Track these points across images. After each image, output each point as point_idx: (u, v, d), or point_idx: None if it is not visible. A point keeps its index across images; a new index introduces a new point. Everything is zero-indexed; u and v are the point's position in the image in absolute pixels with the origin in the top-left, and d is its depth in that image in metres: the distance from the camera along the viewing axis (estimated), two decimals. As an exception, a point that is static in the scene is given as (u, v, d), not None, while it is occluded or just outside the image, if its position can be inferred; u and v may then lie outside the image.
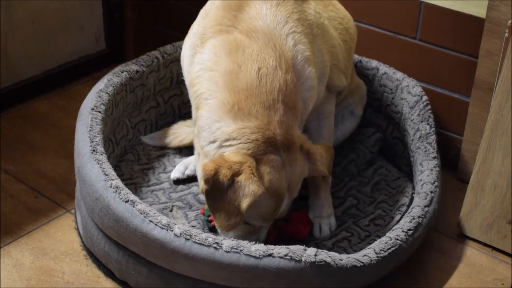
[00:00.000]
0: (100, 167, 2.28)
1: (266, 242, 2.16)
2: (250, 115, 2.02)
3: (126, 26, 3.51)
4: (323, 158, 2.16)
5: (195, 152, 2.21)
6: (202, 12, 2.29)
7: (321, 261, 2.04)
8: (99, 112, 2.50)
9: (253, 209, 2.04)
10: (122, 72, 2.69)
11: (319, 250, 2.07)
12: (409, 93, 2.74)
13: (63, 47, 3.32)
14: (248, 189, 1.96)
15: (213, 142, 2.05)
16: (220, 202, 2.00)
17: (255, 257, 2.03)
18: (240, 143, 2.01)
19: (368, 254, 2.15)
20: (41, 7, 3.17)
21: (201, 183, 2.03)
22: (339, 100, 2.55)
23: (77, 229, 2.50)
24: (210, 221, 2.38)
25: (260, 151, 2.01)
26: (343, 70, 2.46)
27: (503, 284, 2.39)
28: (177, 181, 2.64)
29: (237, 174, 1.97)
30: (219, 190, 1.98)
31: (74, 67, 3.38)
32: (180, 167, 2.65)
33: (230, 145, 2.02)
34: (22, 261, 2.37)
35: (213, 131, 2.05)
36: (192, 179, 2.65)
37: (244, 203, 1.97)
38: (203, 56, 2.14)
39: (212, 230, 2.38)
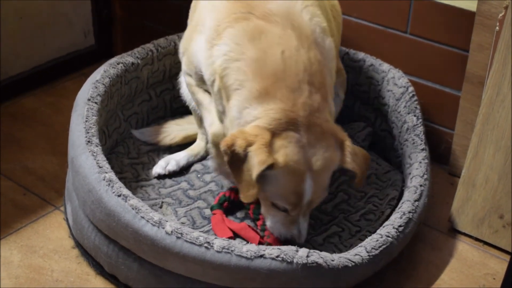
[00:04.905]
0: (95, 159, 2.26)
1: None
2: (276, 98, 2.07)
3: (114, 22, 3.49)
4: (356, 157, 2.16)
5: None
6: (208, 6, 2.27)
7: (313, 263, 2.03)
8: (95, 103, 2.49)
9: (271, 185, 2.09)
10: (118, 63, 2.68)
11: (311, 251, 2.05)
12: (395, 85, 2.73)
13: (51, 43, 3.30)
14: (256, 159, 2.01)
15: (243, 126, 2.10)
16: (240, 173, 2.06)
17: (246, 257, 2.02)
18: (262, 120, 2.06)
19: (359, 253, 2.13)
20: (29, 2, 3.14)
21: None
22: None
23: (67, 220, 2.47)
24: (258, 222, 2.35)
25: (280, 127, 2.06)
26: (337, 46, 2.50)
27: (494, 278, 2.39)
28: (159, 177, 2.63)
29: (250, 145, 2.02)
30: (237, 161, 2.05)
31: (63, 63, 3.35)
32: (161, 163, 2.64)
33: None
34: (11, 259, 2.35)
35: (243, 116, 2.10)
36: (175, 174, 2.63)
37: (254, 172, 2.02)
38: (223, 48, 2.15)
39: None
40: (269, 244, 2.23)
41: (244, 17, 2.15)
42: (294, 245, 2.13)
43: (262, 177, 2.06)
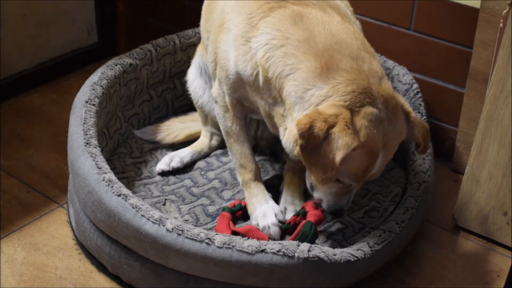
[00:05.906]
0: (93, 160, 2.26)
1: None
2: (340, 70, 1.99)
3: (118, 19, 3.49)
4: (419, 127, 2.13)
5: (286, 131, 2.09)
6: (232, 5, 2.22)
7: (314, 257, 2.03)
8: (93, 105, 2.49)
9: (346, 165, 1.99)
10: (115, 65, 2.67)
11: (313, 246, 2.06)
12: (399, 82, 2.73)
13: (54, 40, 3.30)
14: (342, 141, 1.93)
15: (307, 109, 2.00)
16: (315, 156, 1.96)
17: (247, 253, 2.02)
18: (334, 98, 1.97)
19: (362, 248, 2.13)
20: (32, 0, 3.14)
21: (289, 144, 2.04)
22: None
23: (70, 222, 2.48)
24: None
25: (358, 102, 1.97)
26: None
27: (498, 276, 2.38)
28: (163, 173, 2.62)
29: (332, 126, 1.93)
30: (314, 144, 1.94)
31: (66, 60, 3.36)
32: (165, 159, 2.63)
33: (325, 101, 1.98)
34: (14, 257, 2.36)
35: (307, 99, 2.01)
36: (178, 171, 2.63)
37: (338, 156, 1.93)
38: (263, 37, 2.10)
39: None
40: (304, 213, 2.24)
41: (279, 5, 2.12)
42: (340, 216, 2.14)
43: None
